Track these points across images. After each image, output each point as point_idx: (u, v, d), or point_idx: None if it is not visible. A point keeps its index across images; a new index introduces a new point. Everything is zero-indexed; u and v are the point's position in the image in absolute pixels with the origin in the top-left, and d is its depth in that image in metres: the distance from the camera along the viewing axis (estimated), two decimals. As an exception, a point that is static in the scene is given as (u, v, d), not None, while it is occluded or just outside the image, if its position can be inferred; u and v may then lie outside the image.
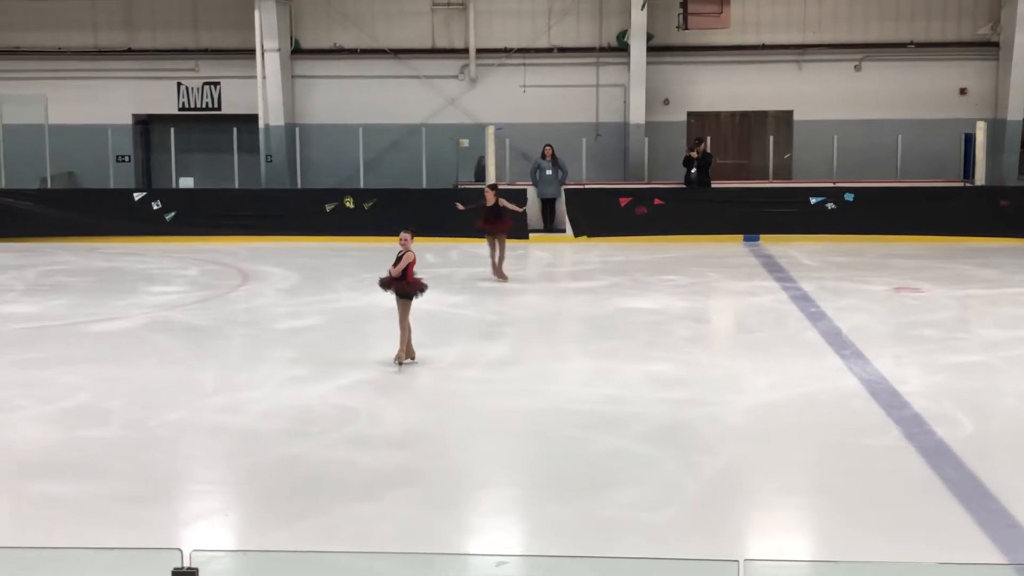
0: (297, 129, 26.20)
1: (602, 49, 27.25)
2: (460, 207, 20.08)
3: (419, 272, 13.57)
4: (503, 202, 19.06)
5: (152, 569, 4.17)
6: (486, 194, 19.09)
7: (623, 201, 24.25)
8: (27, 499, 9.22)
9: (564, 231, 24.33)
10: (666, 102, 27.13)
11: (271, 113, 26.25)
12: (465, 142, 25.76)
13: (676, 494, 9.35)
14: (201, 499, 9.44)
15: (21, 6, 26.83)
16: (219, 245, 23.15)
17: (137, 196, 24.47)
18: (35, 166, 25.25)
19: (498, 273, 19.07)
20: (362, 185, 25.03)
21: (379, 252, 18.43)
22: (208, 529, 8.73)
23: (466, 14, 27.06)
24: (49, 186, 25.32)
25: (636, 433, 10.86)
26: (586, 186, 24.92)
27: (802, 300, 17.38)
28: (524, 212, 21.78)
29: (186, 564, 4.36)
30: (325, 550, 7.25)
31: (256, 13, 25.86)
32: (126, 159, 27.00)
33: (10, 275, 19.84)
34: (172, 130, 25.25)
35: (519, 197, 24.00)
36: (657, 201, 24.17)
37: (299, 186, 25.91)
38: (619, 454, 10.36)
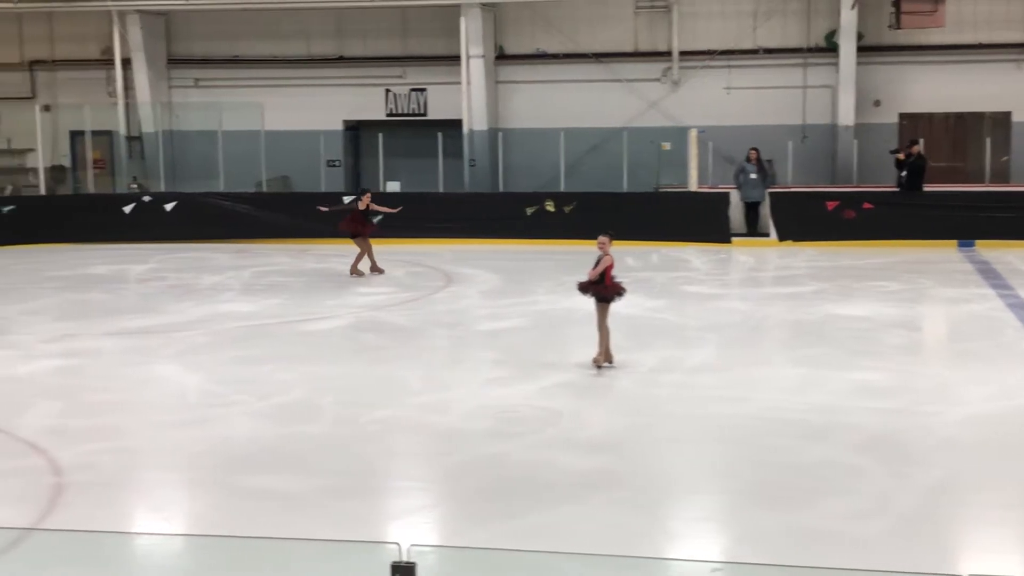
0: (500, 134, 26.51)
1: (809, 50, 26.68)
2: (322, 210, 21.22)
3: (619, 276, 13.53)
4: (375, 206, 20.33)
5: (370, 562, 4.26)
6: (363, 198, 20.12)
7: (830, 205, 23.66)
8: (241, 492, 9.56)
9: (768, 235, 23.90)
10: (877, 103, 26.36)
11: (475, 118, 26.64)
12: (667, 145, 25.60)
13: (887, 506, 9.05)
14: (407, 496, 9.62)
15: (240, 16, 27.93)
16: (424, 247, 23.63)
17: (347, 200, 25.16)
18: (251, 171, 26.26)
19: (375, 269, 20.02)
20: (562, 189, 25.16)
21: (579, 255, 18.45)
22: (414, 526, 8.88)
23: (669, 16, 26.89)
24: (264, 190, 26.29)
25: (845, 443, 10.56)
26: (792, 189, 24.42)
27: (1020, 308, 16.62)
28: (400, 211, 22.00)
29: (404, 558, 4.42)
30: (541, 550, 7.25)
31: (462, 20, 26.28)
32: (337, 164, 27.83)
33: (228, 275, 20.69)
34: (380, 135, 25.89)
35: (720, 200, 23.79)
36: (866, 205, 23.50)
37: (501, 190, 26.20)
38: (827, 464, 10.09)
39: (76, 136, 28.41)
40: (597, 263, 13.10)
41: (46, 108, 27.94)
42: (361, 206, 20.10)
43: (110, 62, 27.87)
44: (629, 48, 27.27)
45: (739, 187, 24.02)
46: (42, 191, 26.73)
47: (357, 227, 20.05)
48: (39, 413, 11.72)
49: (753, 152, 24.04)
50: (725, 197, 24.19)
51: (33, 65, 29.00)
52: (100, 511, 9.07)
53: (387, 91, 28.11)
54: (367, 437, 10.99)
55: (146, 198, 25.50)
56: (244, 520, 8.83)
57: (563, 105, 27.02)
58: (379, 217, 20.65)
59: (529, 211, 24.35)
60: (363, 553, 5.10)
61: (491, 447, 10.55)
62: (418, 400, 12.21)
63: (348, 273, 20.06)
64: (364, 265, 20.13)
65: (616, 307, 13.40)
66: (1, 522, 8.53)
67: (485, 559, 5.45)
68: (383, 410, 11.82)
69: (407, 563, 4.43)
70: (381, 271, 20.15)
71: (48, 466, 10.05)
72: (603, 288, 13.13)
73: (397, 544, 4.46)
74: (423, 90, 27.96)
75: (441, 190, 25.54)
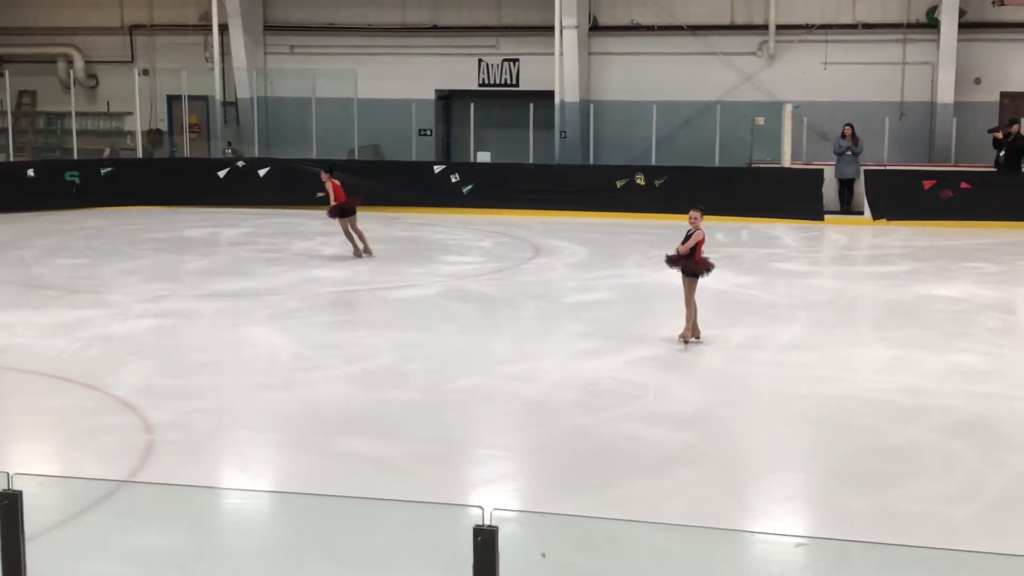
0: (592, 106, 26.38)
1: (909, 25, 26.12)
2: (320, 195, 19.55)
3: (708, 251, 13.42)
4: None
5: (452, 524, 4.29)
6: (323, 177, 18.83)
7: (927, 184, 23.23)
8: (330, 454, 9.68)
9: (862, 213, 23.53)
10: (977, 81, 25.76)
11: (567, 90, 26.52)
12: (761, 120, 25.30)
13: (978, 490, 8.88)
14: (492, 463, 9.66)
15: (336, -16, 28.10)
16: (513, 218, 23.65)
17: (437, 169, 25.33)
18: (343, 138, 26.46)
19: (365, 249, 18.88)
20: (653, 162, 24.98)
21: (668, 230, 18.33)
22: (496, 494, 8.92)
23: (767, -11, 26.49)
24: (356, 158, 26.49)
25: (937, 425, 10.38)
26: (887, 167, 23.99)
27: (1124, 294, 16.18)
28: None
29: (486, 522, 4.44)
30: (621, 518, 7.25)
31: (556, -10, 26.15)
32: (428, 133, 27.93)
33: (318, 241, 20.91)
34: (472, 105, 25.91)
35: (813, 177, 23.51)
36: (964, 185, 23.03)
37: (591, 162, 26.10)
38: (917, 446, 9.94)
39: (173, 100, 28.84)
40: (687, 237, 13.00)
41: (144, 72, 28.40)
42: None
43: (208, 27, 28.22)
44: (725, 21, 26.93)
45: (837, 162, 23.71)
46: (139, 154, 27.21)
47: (353, 202, 19.06)
48: (133, 372, 11.96)
49: (848, 128, 23.65)
50: (819, 174, 23.83)
51: (133, 30, 29.47)
52: (190, 469, 9.24)
53: (480, 61, 28.11)
54: (453, 405, 11.06)
55: (240, 163, 25.83)
56: (330, 482, 8.93)
57: (656, 78, 26.79)
58: (321, 194, 19.63)
59: (619, 184, 24.25)
60: (446, 516, 5.14)
61: (576, 419, 10.55)
62: (504, 370, 12.24)
63: (364, 254, 18.94)
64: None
65: (704, 282, 13.29)
66: (95, 477, 8.74)
67: (567, 525, 5.44)
68: (469, 378, 11.87)
69: (489, 527, 4.44)
70: (366, 250, 19.08)
71: (140, 424, 10.26)
72: (692, 263, 13.03)
73: (480, 508, 4.47)
74: (516, 60, 27.91)
75: (531, 161, 25.51)
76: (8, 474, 4.89)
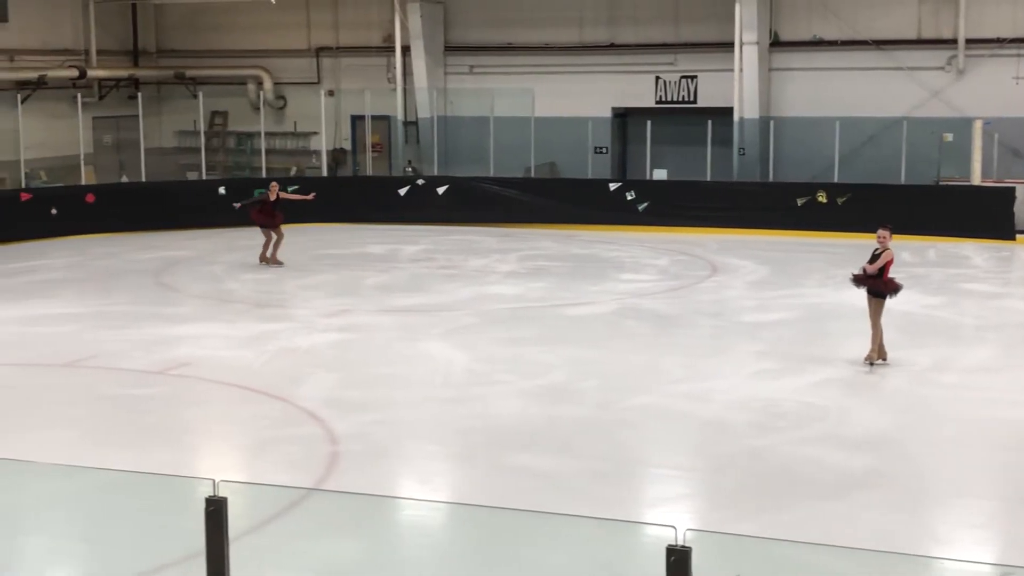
0: (772, 122, 25.99)
1: (1108, 37, 24.96)
2: (237, 206, 20.96)
3: (894, 271, 13.07)
4: (284, 195, 20.43)
5: (643, 542, 4.26)
6: (271, 188, 20.11)
7: None
8: (506, 468, 9.78)
9: (1056, 233, 22.56)
10: None
11: (746, 106, 26.20)
12: (949, 136, 24.50)
13: None
14: (667, 483, 9.60)
15: (515, 4, 28.40)
16: (689, 236, 23.48)
17: (613, 186, 25.33)
18: (520, 156, 26.68)
19: (272, 260, 19.89)
20: (836, 180, 24.45)
21: (851, 249, 17.96)
22: (673, 514, 8.85)
23: (955, 2, 25.67)
24: (532, 175, 26.68)
25: None
26: (1084, 185, 22.96)
27: None
28: (313, 197, 22.08)
29: (679, 541, 4.41)
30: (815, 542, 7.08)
31: (736, 6, 25.88)
32: (603, 151, 27.94)
33: (494, 258, 21.13)
34: (648, 123, 25.83)
35: (1005, 195, 22.73)
36: None
37: (771, 179, 25.70)
38: (1116, 476, 9.47)
39: (356, 120, 29.55)
40: (876, 257, 12.69)
41: (330, 93, 29.19)
42: (271, 197, 20.09)
43: (390, 49, 28.85)
44: (911, 35, 26.20)
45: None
46: (324, 172, 27.97)
47: (265, 218, 20.05)
48: (318, 384, 12.30)
49: (1043, 144, 22.75)
50: (1010, 192, 22.95)
51: (319, 52, 30.33)
52: (371, 479, 9.44)
53: (657, 78, 27.99)
54: (627, 423, 11.03)
55: (420, 181, 26.31)
56: (507, 496, 9.01)
57: (839, 93, 26.21)
58: (293, 188, 20.19)
59: (800, 202, 23.84)
60: (638, 534, 5.12)
61: (754, 440, 10.40)
62: (679, 389, 12.15)
63: (257, 261, 20.03)
64: (282, 255, 20.10)
65: (890, 303, 12.96)
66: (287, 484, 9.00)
67: (758, 549, 5.35)
68: (644, 396, 11.83)
69: (683, 547, 4.40)
70: (280, 263, 19.93)
71: (325, 434, 10.54)
72: (880, 283, 12.72)
73: (673, 528, 4.43)
74: (694, 77, 27.70)
75: (708, 179, 25.27)
76: (215, 480, 5.08)
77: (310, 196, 21.83)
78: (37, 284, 18.41)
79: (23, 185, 24.25)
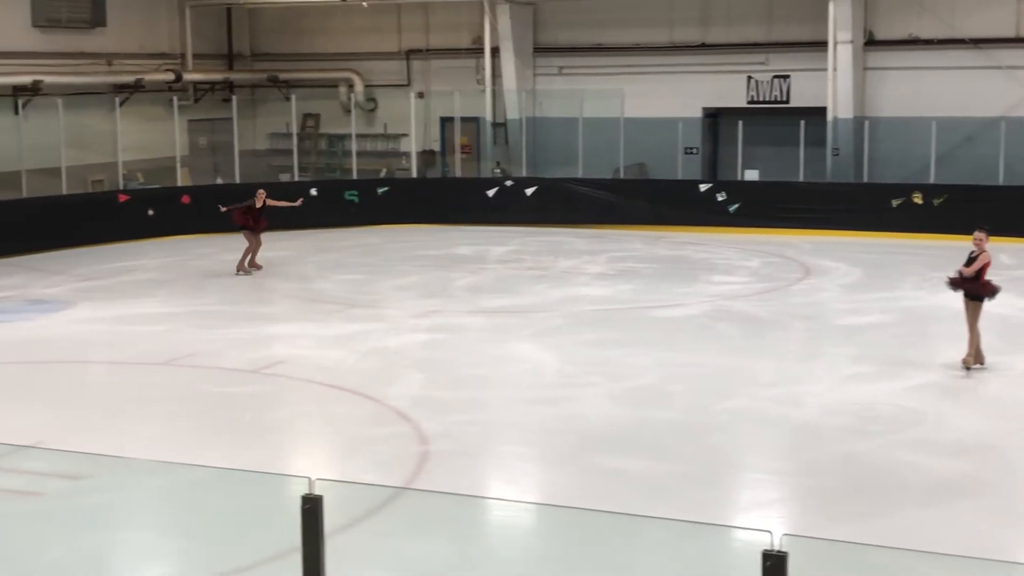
0: (866, 122, 25.60)
1: None
2: (222, 209, 20.53)
3: (992, 274, 12.78)
4: (271, 202, 19.91)
5: (736, 547, 4.21)
6: (258, 194, 19.69)
7: None
8: (595, 470, 9.74)
9: None
10: None
11: (840, 106, 25.83)
12: (1049, 136, 23.92)
13: None
14: (760, 488, 9.50)
15: (605, 4, 28.32)
16: (781, 237, 23.21)
17: (703, 187, 25.15)
18: (609, 157, 26.59)
19: (252, 265, 19.55)
20: (932, 180, 24.01)
21: (947, 251, 17.60)
22: (766, 519, 8.75)
23: (1057, -1, 25.08)
24: (622, 176, 26.57)
25: None
26: None
27: None
28: (301, 202, 21.88)
29: (776, 547, 4.35)
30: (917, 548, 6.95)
31: (830, 5, 25.53)
32: (694, 151, 27.73)
33: (583, 259, 21.09)
34: (740, 123, 25.59)
35: None
36: None
37: (865, 180, 25.30)
38: None
39: (446, 122, 29.70)
40: (972, 260, 12.43)
41: (420, 95, 29.37)
42: (257, 203, 19.72)
43: (480, 51, 28.95)
44: (1010, 33, 25.62)
45: None
46: (413, 174, 28.15)
47: (248, 221, 19.64)
48: (407, 384, 12.38)
49: None
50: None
51: (409, 54, 30.53)
52: (460, 479, 9.47)
53: (748, 78, 27.71)
54: (718, 426, 10.93)
55: (508, 182, 26.36)
56: (595, 497, 8.98)
57: (935, 93, 25.72)
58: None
59: (895, 203, 23.44)
60: (727, 539, 5.06)
61: (849, 444, 10.24)
62: (771, 392, 12.01)
63: (235, 271, 19.54)
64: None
65: (988, 307, 12.68)
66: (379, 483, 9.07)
67: (854, 555, 5.27)
68: (735, 400, 11.71)
69: (779, 552, 4.34)
70: (259, 267, 19.68)
71: (415, 434, 10.60)
72: (977, 286, 12.46)
73: (769, 533, 4.37)
74: (786, 77, 27.37)
75: (801, 179, 24.96)
76: (310, 479, 5.12)
77: (297, 202, 21.68)
78: (134, 284, 18.79)
79: (121, 186, 24.76)
